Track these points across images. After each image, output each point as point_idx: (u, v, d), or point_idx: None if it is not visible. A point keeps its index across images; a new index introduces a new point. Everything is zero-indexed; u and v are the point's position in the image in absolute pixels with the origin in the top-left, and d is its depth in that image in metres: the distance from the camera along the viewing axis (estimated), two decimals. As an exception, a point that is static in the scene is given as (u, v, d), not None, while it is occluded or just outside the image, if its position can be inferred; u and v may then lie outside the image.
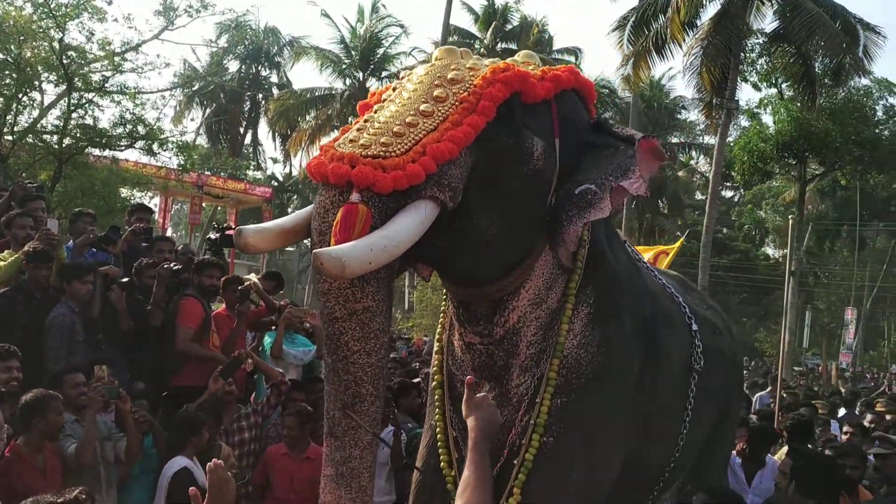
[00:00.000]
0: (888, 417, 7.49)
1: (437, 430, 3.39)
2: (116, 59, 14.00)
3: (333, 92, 31.10)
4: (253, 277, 7.03)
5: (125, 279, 5.69)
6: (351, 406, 2.72)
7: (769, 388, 11.12)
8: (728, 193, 40.72)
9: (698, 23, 18.84)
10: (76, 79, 13.08)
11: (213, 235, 6.98)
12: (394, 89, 2.99)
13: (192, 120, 34.76)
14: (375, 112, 2.85)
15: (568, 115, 3.10)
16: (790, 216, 11.62)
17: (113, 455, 4.59)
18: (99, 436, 4.48)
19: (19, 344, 4.81)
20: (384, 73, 32.15)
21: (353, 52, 31.65)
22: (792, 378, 19.93)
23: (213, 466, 2.26)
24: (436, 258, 2.93)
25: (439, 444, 3.36)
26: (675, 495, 4.13)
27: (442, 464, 3.32)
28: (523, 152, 2.89)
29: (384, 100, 2.95)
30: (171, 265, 5.74)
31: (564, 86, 3.07)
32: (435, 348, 3.56)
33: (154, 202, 22.31)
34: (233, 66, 36.25)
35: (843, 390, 15.42)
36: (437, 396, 3.44)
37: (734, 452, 5.54)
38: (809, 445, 5.93)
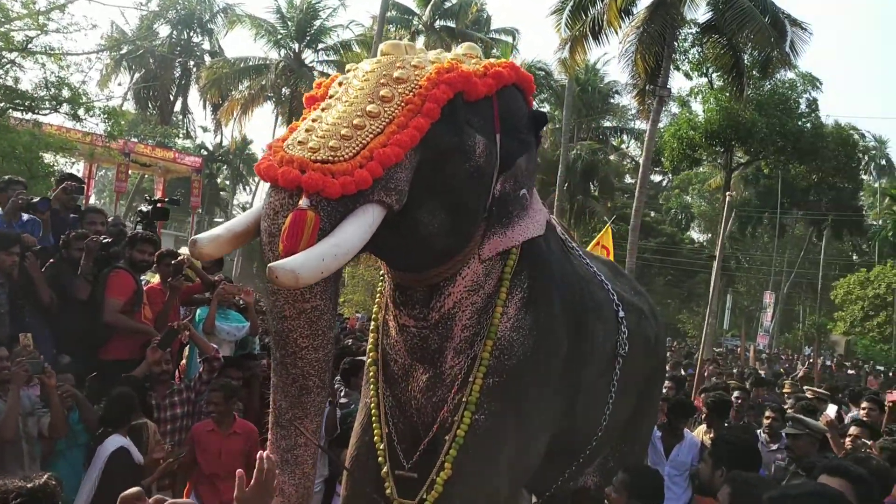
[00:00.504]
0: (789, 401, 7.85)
1: (371, 405, 3.50)
2: (41, 18, 13.41)
3: (268, 62, 30.51)
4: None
5: (39, 247, 5.53)
6: (298, 398, 2.81)
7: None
8: (657, 178, 41.68)
9: (634, 10, 19.11)
10: (-5, 37, 12.52)
11: (144, 208, 6.82)
12: (340, 84, 3.03)
13: (120, 84, 33.77)
14: (323, 110, 2.88)
15: (508, 111, 3.22)
16: (728, 194, 11.91)
17: (36, 430, 4.49)
18: (22, 411, 4.39)
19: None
20: (321, 46, 31.69)
21: (289, 23, 31.07)
22: (711, 360, 20.62)
23: (265, 456, 2.32)
24: (378, 250, 3.01)
25: (373, 418, 3.47)
26: (598, 470, 4.32)
27: (375, 438, 3.44)
28: (466, 150, 2.98)
29: (331, 95, 2.99)
30: (101, 238, 5.60)
31: (505, 82, 3.17)
32: (371, 327, 3.66)
33: (77, 167, 21.57)
34: (163, 30, 35.27)
35: (761, 372, 16.02)
36: (371, 374, 3.55)
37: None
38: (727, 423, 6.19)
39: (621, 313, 3.96)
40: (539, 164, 3.48)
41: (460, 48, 3.36)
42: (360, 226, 2.65)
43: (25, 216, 5.88)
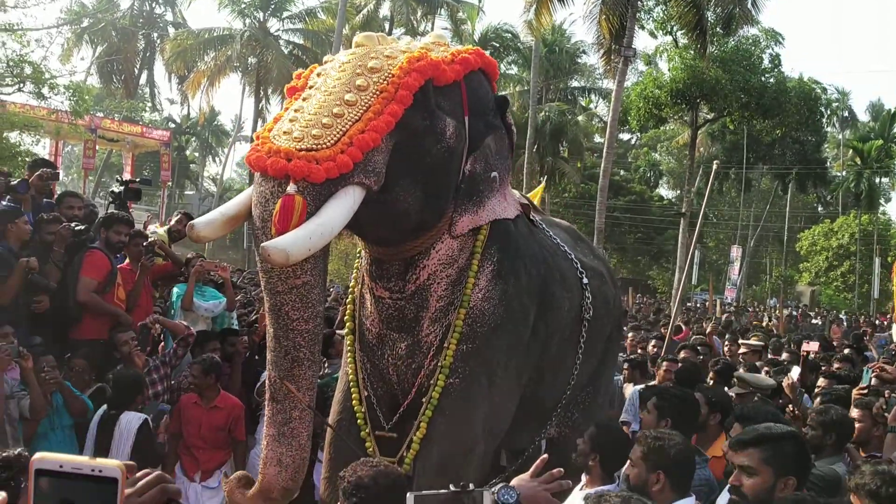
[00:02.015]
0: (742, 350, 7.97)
1: (349, 373, 3.76)
2: (-2, -4, 13.22)
3: (233, 32, 30.11)
4: (160, 231, 7.02)
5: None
6: (290, 370, 3.06)
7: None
8: (625, 136, 41.85)
9: (598, -30, 19.12)
10: (-45, 16, 12.36)
11: (115, 189, 6.90)
12: (318, 75, 3.28)
13: (83, 59, 33.13)
14: (304, 100, 3.14)
15: (475, 94, 3.50)
16: (716, 161, 12.00)
17: (17, 412, 4.59)
18: (3, 395, 4.47)
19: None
20: (285, 14, 31.31)
21: (253, -10, 30.64)
22: (681, 314, 21.02)
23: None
24: (357, 226, 3.25)
25: (351, 384, 3.74)
26: (562, 422, 4.56)
27: (353, 402, 3.70)
28: (437, 132, 3.27)
29: (311, 85, 3.23)
30: (73, 225, 5.64)
31: (472, 67, 3.46)
32: (347, 299, 3.92)
33: (43, 145, 21.31)
34: (125, 2, 34.56)
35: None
36: (349, 342, 3.82)
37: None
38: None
39: (585, 280, 4.24)
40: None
41: (429, 37, 3.63)
42: (343, 206, 2.94)
43: (4, 202, 5.95)
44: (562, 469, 2.36)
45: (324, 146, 2.90)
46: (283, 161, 2.85)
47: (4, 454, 2.27)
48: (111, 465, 0.93)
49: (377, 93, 3.07)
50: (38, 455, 0.92)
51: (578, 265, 4.26)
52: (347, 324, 3.84)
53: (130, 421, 4.68)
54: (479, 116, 3.51)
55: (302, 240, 2.78)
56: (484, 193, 3.47)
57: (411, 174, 3.22)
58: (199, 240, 3.27)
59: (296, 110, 3.09)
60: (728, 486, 2.89)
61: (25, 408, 4.59)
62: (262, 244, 2.79)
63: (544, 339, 3.89)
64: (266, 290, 3.05)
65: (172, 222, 7.24)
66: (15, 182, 6.12)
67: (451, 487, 1.82)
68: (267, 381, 3.15)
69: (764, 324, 19.15)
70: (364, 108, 3.03)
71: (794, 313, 26.24)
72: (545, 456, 2.37)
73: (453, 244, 3.51)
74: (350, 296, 3.88)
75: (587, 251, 4.75)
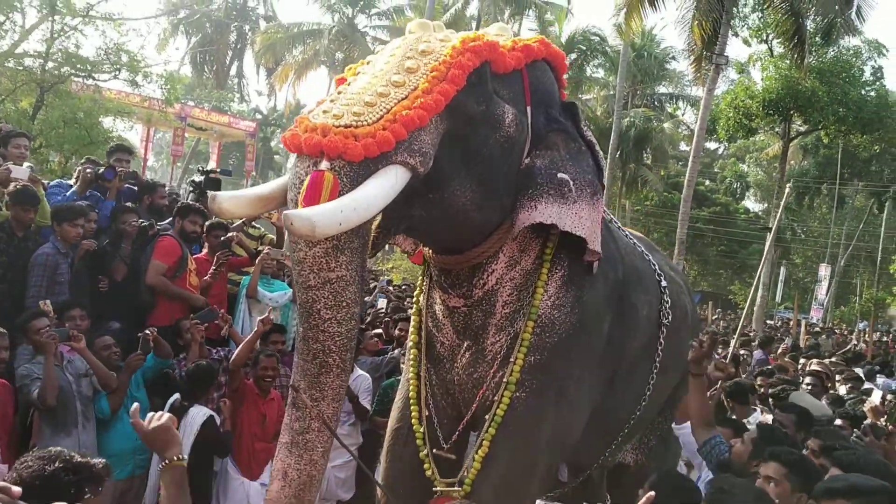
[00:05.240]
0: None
1: (410, 387, 3.53)
2: (101, -16, 13.60)
3: (321, 27, 30.62)
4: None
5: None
6: (316, 376, 2.75)
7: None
8: (712, 145, 40.69)
9: (692, -26, 18.57)
10: (59, 3, 12.79)
11: (197, 178, 7.00)
12: (368, 62, 3.04)
13: (177, 49, 34.28)
14: (349, 84, 2.88)
15: (539, 84, 3.20)
16: (787, 178, 11.58)
17: (91, 390, 4.70)
18: (76, 373, 4.63)
19: (1, 280, 4.92)
20: (373, 10, 31.65)
21: (342, -13, 31.10)
22: (762, 331, 20.29)
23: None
24: (415, 229, 3.03)
25: (411, 400, 3.51)
26: (638, 448, 4.31)
27: (413, 420, 3.48)
28: (495, 119, 2.96)
29: (358, 73, 2.98)
30: (139, 222, 5.75)
31: (535, 56, 3.16)
32: (413, 310, 3.68)
33: (136, 130, 22.04)
34: (220, -6, 35.53)
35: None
36: (412, 355, 3.57)
37: None
38: None
39: (664, 283, 3.96)
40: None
41: (491, 28, 3.35)
42: (382, 184, 2.62)
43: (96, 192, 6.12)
44: None
45: (364, 123, 2.61)
46: (318, 137, 2.57)
47: (77, 458, 2.10)
48: None
49: (427, 73, 2.78)
50: None
51: (656, 267, 3.99)
52: (412, 336, 3.58)
53: (196, 415, 4.73)
54: (543, 109, 3.20)
55: (331, 212, 2.45)
56: (542, 190, 3.06)
57: (466, 167, 2.92)
58: (221, 213, 2.97)
59: (339, 92, 2.83)
60: None
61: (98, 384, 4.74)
62: (286, 212, 2.46)
63: (621, 346, 3.59)
64: (297, 284, 2.74)
65: None
66: (103, 170, 6.23)
67: None
68: (290, 386, 2.83)
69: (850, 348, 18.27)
70: (412, 88, 2.74)
71: (885, 338, 25.00)
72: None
73: (514, 245, 3.24)
74: (415, 306, 3.64)
75: (663, 261, 4.42)
